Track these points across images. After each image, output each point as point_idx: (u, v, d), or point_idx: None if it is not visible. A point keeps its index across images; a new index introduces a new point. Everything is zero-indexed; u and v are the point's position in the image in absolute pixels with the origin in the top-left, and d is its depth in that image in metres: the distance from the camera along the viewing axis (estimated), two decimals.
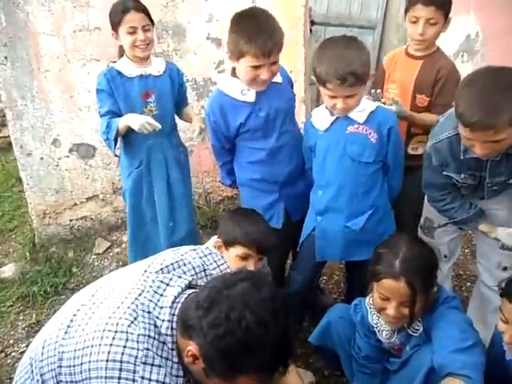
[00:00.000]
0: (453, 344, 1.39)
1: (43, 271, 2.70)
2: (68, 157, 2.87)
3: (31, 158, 2.80)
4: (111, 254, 2.87)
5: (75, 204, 2.96)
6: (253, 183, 1.96)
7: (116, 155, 2.21)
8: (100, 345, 1.04)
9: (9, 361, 2.16)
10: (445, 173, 1.67)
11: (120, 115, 2.06)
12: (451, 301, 1.53)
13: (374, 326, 1.64)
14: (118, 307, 1.10)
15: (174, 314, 1.10)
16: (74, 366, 1.07)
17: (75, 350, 1.09)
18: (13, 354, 2.21)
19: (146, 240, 2.24)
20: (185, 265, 1.21)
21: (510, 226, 1.72)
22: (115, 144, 2.08)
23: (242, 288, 1.02)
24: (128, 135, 2.10)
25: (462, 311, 1.56)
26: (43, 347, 1.16)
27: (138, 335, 1.05)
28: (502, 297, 1.29)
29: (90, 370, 1.03)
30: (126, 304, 1.10)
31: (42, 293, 2.55)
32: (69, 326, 1.14)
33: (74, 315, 1.16)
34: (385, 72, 2.16)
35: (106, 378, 1.00)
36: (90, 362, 1.04)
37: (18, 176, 3.18)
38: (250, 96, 1.81)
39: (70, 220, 2.98)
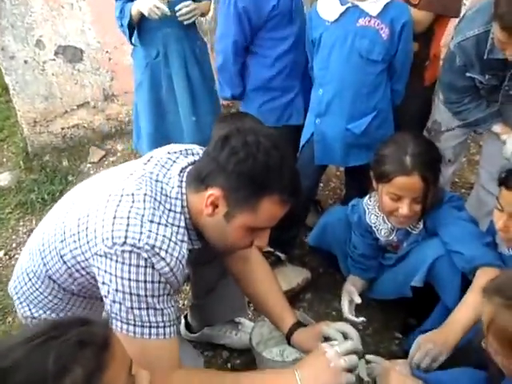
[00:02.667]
0: (477, 238, 1.42)
1: (39, 180, 2.69)
2: (54, 60, 2.70)
3: (15, 62, 2.64)
4: (106, 162, 2.83)
5: (66, 111, 2.86)
6: (272, 83, 1.87)
7: (133, 44, 2.07)
8: (106, 207, 1.04)
9: (13, 262, 2.22)
10: (468, 74, 1.60)
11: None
12: (456, 200, 1.54)
13: (373, 225, 1.66)
14: (124, 180, 1.09)
15: (182, 181, 1.08)
16: (78, 232, 1.07)
17: (79, 219, 1.08)
18: (16, 256, 2.26)
19: (167, 135, 2.13)
20: (193, 154, 1.19)
21: None
22: (131, 32, 1.96)
23: (249, 124, 1.08)
24: (143, 23, 1.96)
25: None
26: (43, 233, 1.17)
27: (145, 195, 1.04)
28: (499, 186, 1.29)
29: (95, 230, 1.03)
30: (133, 177, 1.09)
31: (39, 200, 2.56)
32: (70, 208, 1.14)
33: (75, 200, 1.15)
34: None
35: (113, 231, 1.00)
36: (95, 223, 1.04)
37: (4, 85, 3.04)
38: None
39: (62, 128, 2.89)
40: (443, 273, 1.45)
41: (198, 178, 1.05)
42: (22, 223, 2.48)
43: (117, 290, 0.99)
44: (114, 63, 2.79)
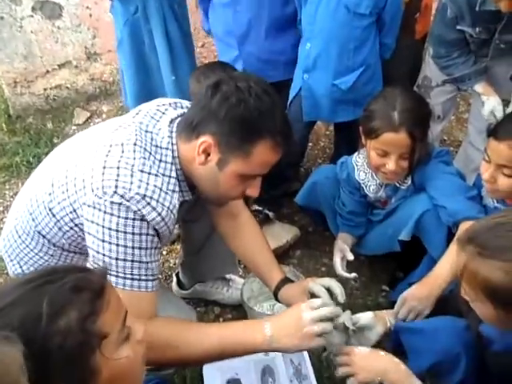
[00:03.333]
0: (463, 192, 1.44)
1: (23, 142, 2.63)
2: (32, 17, 2.58)
3: None
4: (92, 124, 2.77)
5: (47, 71, 2.76)
6: (220, 35, 1.90)
7: None
8: (95, 157, 1.03)
9: (1, 225, 2.21)
10: (459, 27, 1.58)
11: None
12: (444, 155, 1.55)
13: (361, 182, 1.67)
14: (113, 132, 1.07)
15: (172, 132, 1.07)
16: (66, 183, 1.06)
17: (67, 170, 1.07)
18: (4, 219, 2.24)
19: (152, 92, 2.05)
20: (182, 107, 1.17)
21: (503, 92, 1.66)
22: None
23: (220, 72, 1.09)
24: None
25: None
26: (30, 189, 1.16)
27: (135, 145, 1.02)
28: (488, 137, 1.30)
29: (84, 180, 1.02)
30: (122, 128, 1.07)
31: (24, 163, 2.51)
32: (57, 163, 1.12)
33: (62, 155, 1.13)
34: None
35: (103, 181, 0.99)
36: (84, 173, 1.03)
37: None
38: None
39: (44, 89, 2.80)
40: (430, 226, 1.47)
41: (189, 127, 1.04)
42: (8, 187, 2.44)
43: (103, 241, 0.99)
44: (95, 19, 2.68)
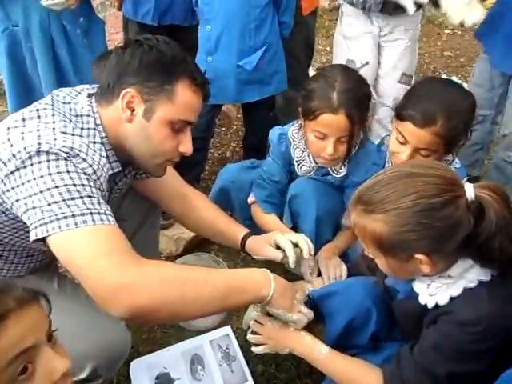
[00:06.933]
0: None
1: None
2: None
3: None
4: None
5: None
6: None
7: None
8: (9, 133, 0.95)
9: None
10: None
11: None
12: (380, 145, 1.56)
13: (296, 159, 1.58)
14: (23, 112, 1.02)
15: (91, 102, 1.06)
16: None
17: None
18: None
19: None
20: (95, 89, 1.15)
21: None
22: None
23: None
24: None
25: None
26: None
27: (53, 110, 1.00)
28: (398, 119, 1.32)
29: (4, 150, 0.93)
30: (35, 104, 1.03)
31: None
32: None
33: None
34: None
35: (24, 143, 0.92)
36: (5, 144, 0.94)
37: None
38: None
39: None
40: (299, 212, 1.54)
41: (107, 91, 1.05)
42: None
43: (42, 192, 0.90)
44: None
